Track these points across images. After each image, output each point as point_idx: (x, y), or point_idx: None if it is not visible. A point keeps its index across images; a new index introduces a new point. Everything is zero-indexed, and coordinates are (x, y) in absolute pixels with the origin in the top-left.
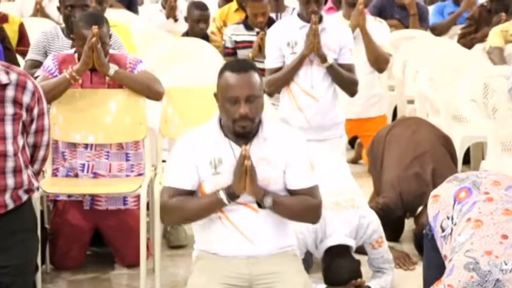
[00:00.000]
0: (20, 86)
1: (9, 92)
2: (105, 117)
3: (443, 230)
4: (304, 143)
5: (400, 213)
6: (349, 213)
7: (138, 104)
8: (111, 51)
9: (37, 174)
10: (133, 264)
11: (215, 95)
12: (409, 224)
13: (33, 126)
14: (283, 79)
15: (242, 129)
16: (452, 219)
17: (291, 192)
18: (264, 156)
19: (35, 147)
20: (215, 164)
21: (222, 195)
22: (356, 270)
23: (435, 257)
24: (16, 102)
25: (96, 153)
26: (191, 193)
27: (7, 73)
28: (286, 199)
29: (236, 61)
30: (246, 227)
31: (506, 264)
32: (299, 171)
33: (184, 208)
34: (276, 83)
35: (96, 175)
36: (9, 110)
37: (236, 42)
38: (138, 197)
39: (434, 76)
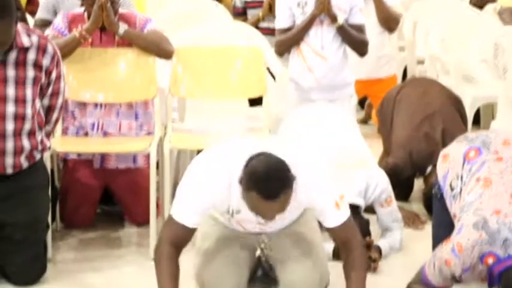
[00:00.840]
0: (41, 49)
1: (31, 55)
2: (114, 76)
3: (452, 190)
4: (328, 184)
5: (410, 173)
6: (358, 173)
7: (148, 63)
8: (120, 10)
9: (49, 134)
10: (143, 222)
11: (240, 181)
12: (418, 184)
13: (50, 89)
14: (293, 39)
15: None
16: (461, 178)
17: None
18: (291, 207)
19: (49, 109)
20: (233, 212)
21: None
22: (365, 229)
23: (444, 216)
24: (36, 65)
25: (106, 112)
26: (191, 231)
27: (28, 35)
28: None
29: (266, 183)
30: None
31: None
32: (323, 213)
33: (158, 272)
34: (286, 43)
35: (105, 134)
36: (30, 73)
37: (246, 2)
38: (148, 155)
39: (445, 36)
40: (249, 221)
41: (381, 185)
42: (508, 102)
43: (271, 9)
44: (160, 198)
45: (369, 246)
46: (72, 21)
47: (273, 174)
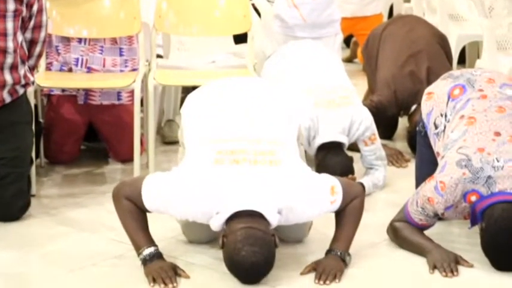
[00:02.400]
0: None
1: None
2: (99, 12)
3: (436, 127)
4: (318, 201)
5: (394, 111)
6: (343, 110)
7: None
8: None
9: (32, 69)
10: (128, 159)
11: (222, 241)
12: (402, 122)
13: (32, 23)
14: None
15: None
16: (445, 116)
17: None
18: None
19: (32, 43)
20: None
21: (144, 254)
22: (348, 166)
23: (428, 154)
24: None
25: (90, 48)
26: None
27: None
28: (347, 237)
29: (245, 272)
30: None
31: (498, 161)
32: (328, 211)
33: (124, 223)
34: None
35: (90, 70)
36: (11, 6)
37: None
38: (132, 92)
39: None
40: None
41: (365, 122)
42: (493, 41)
43: None
44: (145, 135)
45: None
46: None
47: (253, 271)
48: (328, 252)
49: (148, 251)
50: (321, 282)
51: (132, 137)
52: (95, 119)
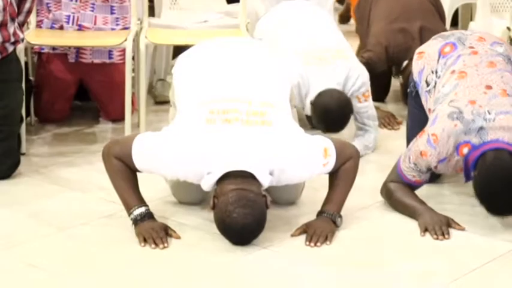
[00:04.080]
0: None
1: None
2: None
3: (428, 85)
4: (310, 163)
5: (385, 67)
6: (338, 65)
7: None
8: None
9: (21, 25)
10: (118, 118)
11: (213, 203)
12: (394, 84)
13: None
14: None
15: None
16: (436, 72)
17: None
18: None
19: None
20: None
21: (134, 214)
22: (345, 99)
23: (419, 115)
24: None
25: (82, 5)
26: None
27: None
28: (339, 199)
29: (237, 232)
30: None
31: (489, 113)
32: (321, 173)
33: (114, 183)
34: None
35: (81, 27)
36: None
37: None
38: (123, 51)
39: None
40: None
41: (362, 77)
42: (486, 3)
43: None
44: (136, 94)
45: None
46: None
47: (244, 232)
48: (319, 214)
49: (139, 210)
50: (312, 244)
51: (123, 96)
52: (86, 77)
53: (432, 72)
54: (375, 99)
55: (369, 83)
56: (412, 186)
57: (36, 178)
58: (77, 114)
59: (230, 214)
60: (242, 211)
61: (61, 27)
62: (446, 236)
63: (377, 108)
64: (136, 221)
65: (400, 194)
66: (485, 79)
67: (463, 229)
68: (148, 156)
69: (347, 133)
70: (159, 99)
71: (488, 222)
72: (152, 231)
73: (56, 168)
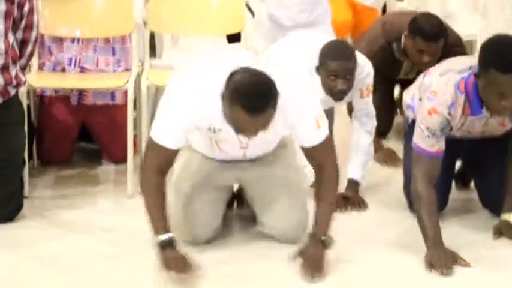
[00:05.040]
0: None
1: None
2: (91, 11)
3: (421, 99)
4: (310, 99)
5: (383, 41)
6: None
7: None
8: None
9: (23, 68)
10: (121, 159)
11: (222, 96)
12: (396, 121)
13: (23, 23)
14: None
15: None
16: (423, 82)
17: (303, 148)
18: (272, 130)
19: (23, 43)
20: (214, 130)
21: (159, 239)
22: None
23: None
24: None
25: (83, 47)
26: (175, 153)
27: None
28: (326, 217)
29: (251, 97)
30: (235, 154)
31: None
32: (303, 131)
33: (146, 202)
34: None
35: (83, 69)
36: (1, 6)
37: None
38: (125, 92)
39: None
40: (230, 142)
41: (368, 67)
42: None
43: None
44: (138, 136)
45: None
46: None
47: (259, 89)
48: (311, 236)
49: (165, 236)
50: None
51: (125, 137)
52: (88, 119)
53: (420, 86)
54: (376, 134)
55: (372, 76)
56: (435, 159)
57: (39, 221)
58: (79, 156)
59: (238, 77)
60: (249, 72)
61: (63, 70)
62: (449, 272)
63: (378, 144)
64: (160, 247)
65: (424, 211)
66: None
67: (468, 266)
68: (170, 128)
69: (343, 134)
70: None
71: (496, 259)
72: (174, 260)
73: (59, 210)
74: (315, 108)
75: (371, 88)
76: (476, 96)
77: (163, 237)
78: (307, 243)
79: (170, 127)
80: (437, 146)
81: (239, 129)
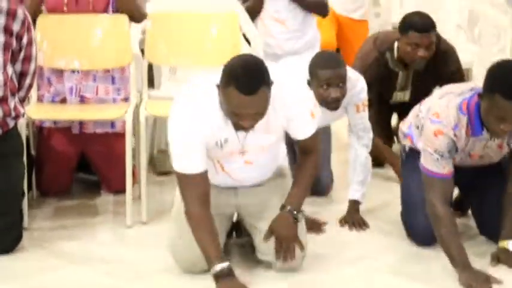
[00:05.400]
0: (11, 14)
1: (0, 20)
2: (90, 43)
3: (418, 127)
4: (303, 94)
5: (376, 54)
6: None
7: (123, 29)
8: None
9: (22, 101)
10: (119, 190)
11: (217, 86)
12: (394, 148)
13: (21, 55)
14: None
15: (245, 130)
16: (422, 111)
17: (295, 140)
18: (269, 126)
19: (22, 75)
20: (221, 144)
21: (215, 269)
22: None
23: (413, 176)
24: (7, 31)
25: (83, 76)
26: (205, 175)
27: None
28: (300, 195)
29: (245, 79)
30: (239, 176)
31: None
32: (299, 124)
33: (196, 236)
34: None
35: (82, 98)
36: (0, 38)
37: None
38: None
39: (419, 2)
40: (232, 151)
41: (362, 82)
42: (482, 67)
43: None
44: (137, 166)
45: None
46: None
47: (252, 68)
48: (282, 208)
49: (220, 266)
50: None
51: (124, 167)
52: (87, 149)
53: (417, 115)
54: (374, 164)
55: (366, 88)
56: (448, 180)
57: (38, 252)
58: (78, 187)
59: (232, 61)
60: (243, 56)
61: (63, 100)
62: None
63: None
64: (217, 277)
65: (447, 232)
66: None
67: (501, 282)
68: (178, 152)
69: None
70: (160, 170)
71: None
72: None
73: (58, 242)
74: (310, 100)
75: (366, 103)
76: (478, 117)
77: (219, 267)
78: (278, 218)
79: (188, 152)
80: (448, 167)
81: (236, 116)
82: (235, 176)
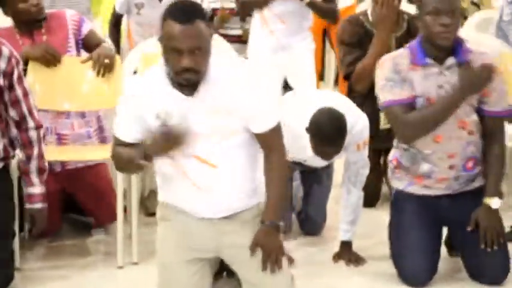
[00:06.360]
0: None
1: None
2: (81, 84)
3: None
4: (260, 75)
5: (350, 18)
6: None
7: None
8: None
9: (40, 172)
10: (109, 222)
11: (160, 40)
12: (384, 190)
13: (19, 92)
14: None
15: (186, 82)
16: None
17: (255, 134)
18: (218, 105)
19: (28, 158)
20: (161, 118)
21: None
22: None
23: (402, 220)
24: None
25: (56, 115)
26: (133, 145)
27: None
28: (276, 205)
29: (180, 9)
30: (204, 183)
31: None
32: (260, 113)
33: (120, 158)
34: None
35: (59, 136)
36: None
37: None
38: None
39: None
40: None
41: (364, 120)
42: None
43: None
44: (128, 206)
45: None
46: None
47: (186, 2)
48: (262, 222)
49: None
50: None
51: (110, 199)
52: (71, 185)
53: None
54: (364, 205)
55: (368, 126)
56: (407, 105)
57: None
58: (69, 227)
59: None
60: None
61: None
62: None
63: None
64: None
65: (415, 114)
66: None
67: None
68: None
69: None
70: (151, 211)
71: None
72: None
73: (50, 282)
74: (269, 89)
75: (367, 141)
76: (420, 46)
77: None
78: (261, 233)
79: (122, 119)
80: (404, 92)
81: (177, 54)
82: (199, 181)
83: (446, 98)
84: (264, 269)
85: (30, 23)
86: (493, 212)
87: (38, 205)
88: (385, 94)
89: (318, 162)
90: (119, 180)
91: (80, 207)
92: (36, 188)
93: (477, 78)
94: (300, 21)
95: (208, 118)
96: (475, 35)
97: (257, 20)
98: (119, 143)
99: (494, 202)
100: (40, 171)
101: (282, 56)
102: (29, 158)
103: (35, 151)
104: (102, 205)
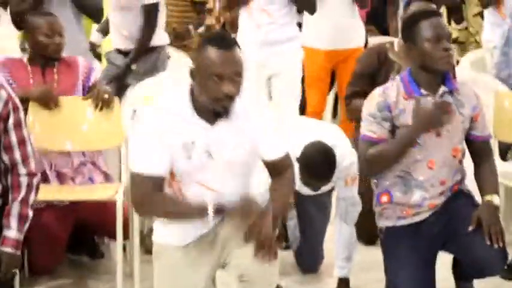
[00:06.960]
0: None
1: None
2: (81, 124)
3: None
4: (270, 113)
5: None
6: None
7: (115, 110)
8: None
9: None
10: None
11: (191, 72)
12: None
13: (13, 139)
14: None
15: (223, 109)
16: None
17: (266, 162)
18: (237, 135)
19: (23, 160)
20: (188, 148)
21: (210, 212)
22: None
23: (396, 253)
24: None
25: (56, 153)
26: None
27: None
28: (285, 200)
29: (219, 36)
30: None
31: None
32: (271, 142)
33: (168, 209)
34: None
35: (58, 174)
36: None
37: None
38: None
39: None
40: (200, 153)
41: (353, 155)
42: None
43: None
44: (128, 246)
45: None
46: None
47: (225, 33)
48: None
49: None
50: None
51: (114, 213)
52: (79, 215)
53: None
54: (365, 242)
55: (356, 165)
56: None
57: None
58: (69, 266)
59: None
60: None
61: (44, 180)
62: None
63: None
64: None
65: (374, 150)
66: None
67: None
68: (145, 151)
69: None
70: (150, 248)
71: None
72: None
73: None
74: (275, 121)
75: (356, 177)
76: (411, 78)
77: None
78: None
79: (149, 150)
80: (379, 132)
81: (218, 79)
82: (195, 200)
83: (403, 135)
84: (256, 255)
85: (45, 58)
86: (495, 209)
87: (8, 249)
88: (364, 127)
89: (305, 190)
90: (118, 222)
91: (79, 247)
92: (12, 232)
93: (431, 116)
94: (286, 14)
95: (226, 148)
96: (471, 73)
97: (244, 14)
98: (151, 182)
99: (495, 198)
100: (21, 217)
101: (269, 51)
102: (12, 201)
103: (20, 196)
104: (107, 222)
